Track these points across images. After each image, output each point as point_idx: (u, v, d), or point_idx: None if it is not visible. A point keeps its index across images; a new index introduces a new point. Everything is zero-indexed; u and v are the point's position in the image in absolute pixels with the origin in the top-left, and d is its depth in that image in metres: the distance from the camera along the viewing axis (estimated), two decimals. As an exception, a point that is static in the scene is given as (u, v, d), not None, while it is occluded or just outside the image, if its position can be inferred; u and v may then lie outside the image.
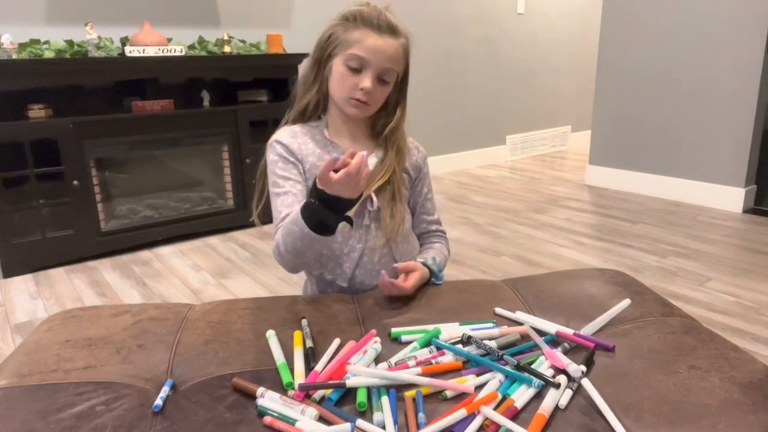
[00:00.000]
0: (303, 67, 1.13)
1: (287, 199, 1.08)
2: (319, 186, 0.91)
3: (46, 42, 2.40)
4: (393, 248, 1.16)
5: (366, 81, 1.04)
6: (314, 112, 1.16)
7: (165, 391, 0.79)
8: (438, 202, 1.36)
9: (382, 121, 1.15)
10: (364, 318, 1.01)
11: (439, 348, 0.89)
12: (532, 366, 0.83)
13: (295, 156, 1.12)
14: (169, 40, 2.67)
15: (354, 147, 1.12)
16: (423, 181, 1.23)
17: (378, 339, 0.91)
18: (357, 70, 1.05)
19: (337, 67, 1.07)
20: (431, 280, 1.12)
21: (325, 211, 0.93)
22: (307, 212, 0.95)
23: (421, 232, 1.27)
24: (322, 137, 1.15)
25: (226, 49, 2.76)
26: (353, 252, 1.14)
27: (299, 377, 0.82)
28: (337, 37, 1.07)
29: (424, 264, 1.12)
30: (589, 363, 0.85)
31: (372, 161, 0.91)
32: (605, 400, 0.76)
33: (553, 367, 0.84)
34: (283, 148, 1.12)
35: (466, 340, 0.89)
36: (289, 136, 1.14)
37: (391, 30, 1.06)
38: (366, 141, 1.17)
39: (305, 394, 0.78)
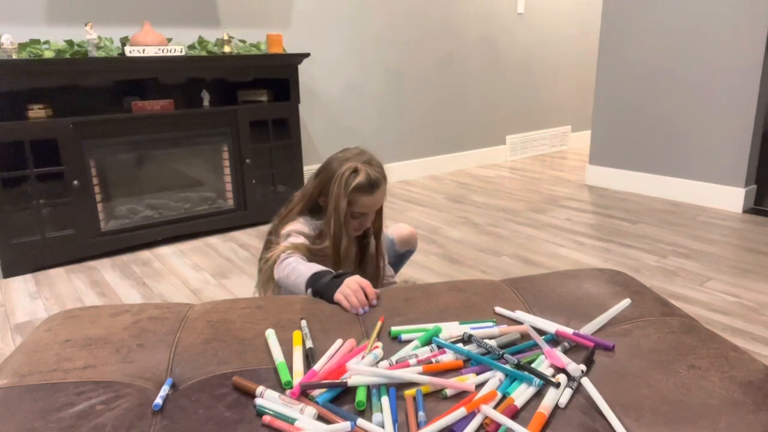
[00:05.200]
0: (312, 181, 1.46)
1: (296, 240, 1.40)
2: (337, 290, 1.11)
3: (46, 42, 2.40)
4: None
5: (367, 223, 1.45)
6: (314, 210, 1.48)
7: (165, 390, 0.80)
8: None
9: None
10: (364, 317, 1.01)
11: (439, 346, 0.89)
12: (532, 365, 0.83)
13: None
14: (169, 40, 2.67)
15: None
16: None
17: (380, 344, 0.90)
18: (359, 217, 1.42)
19: (345, 206, 1.37)
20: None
21: (329, 295, 1.12)
22: (316, 285, 1.15)
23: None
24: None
25: (226, 49, 2.76)
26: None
27: (298, 376, 0.82)
28: (344, 190, 1.37)
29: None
30: (588, 362, 0.85)
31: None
32: (605, 399, 0.76)
33: (552, 366, 0.84)
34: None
35: (467, 339, 0.89)
36: (302, 227, 1.45)
37: (378, 184, 1.39)
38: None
39: (301, 392, 0.78)
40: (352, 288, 1.07)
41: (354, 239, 1.46)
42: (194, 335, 0.95)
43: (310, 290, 1.16)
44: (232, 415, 0.75)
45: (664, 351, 0.87)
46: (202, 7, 2.91)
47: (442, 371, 0.83)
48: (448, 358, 0.86)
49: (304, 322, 0.97)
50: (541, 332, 0.93)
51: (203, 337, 0.94)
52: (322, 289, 1.12)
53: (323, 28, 3.26)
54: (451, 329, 0.94)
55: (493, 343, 0.89)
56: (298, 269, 1.23)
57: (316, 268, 1.21)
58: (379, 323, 0.97)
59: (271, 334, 0.93)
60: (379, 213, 1.50)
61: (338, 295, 1.08)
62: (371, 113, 3.66)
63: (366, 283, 1.09)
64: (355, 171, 1.36)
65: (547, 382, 0.79)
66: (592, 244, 2.59)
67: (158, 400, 0.77)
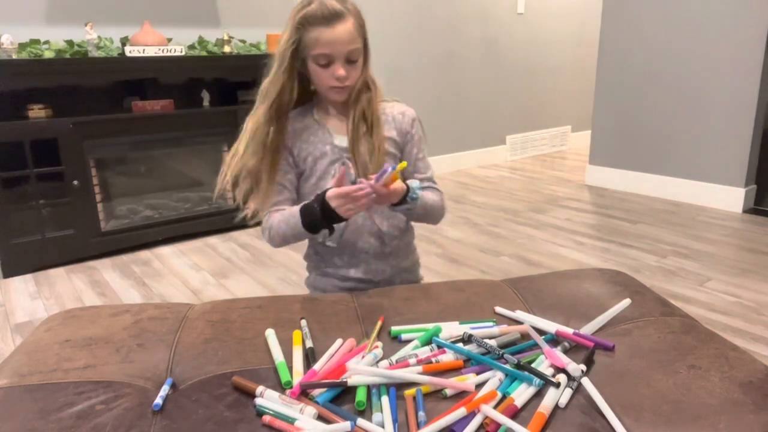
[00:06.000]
0: (271, 68, 1.20)
1: (277, 188, 1.23)
2: (326, 196, 1.07)
3: (46, 42, 2.40)
4: (375, 208, 1.22)
5: (338, 70, 1.15)
6: (290, 104, 1.23)
7: (165, 390, 0.80)
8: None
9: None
10: (363, 317, 1.01)
11: (439, 346, 0.89)
12: (532, 365, 0.83)
13: (285, 145, 1.24)
14: (169, 40, 2.67)
15: (341, 125, 1.23)
16: (412, 143, 1.28)
17: (380, 344, 0.90)
18: (326, 65, 1.15)
19: (311, 66, 1.17)
20: (407, 195, 1.14)
21: (321, 217, 1.09)
22: (306, 211, 1.12)
23: None
24: (311, 120, 1.26)
25: (226, 49, 2.76)
26: None
27: (298, 376, 0.82)
28: (298, 42, 1.15)
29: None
30: (588, 362, 0.85)
31: None
32: (605, 399, 0.76)
33: (552, 366, 0.84)
34: None
35: (467, 339, 0.89)
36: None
37: (338, 16, 1.13)
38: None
39: (301, 392, 0.78)
40: (341, 203, 1.04)
41: (350, 113, 1.21)
42: (194, 335, 0.95)
43: (325, 232, 1.13)
44: (232, 415, 0.75)
45: (664, 351, 0.87)
46: (202, 7, 2.91)
47: (442, 371, 0.83)
48: (448, 358, 0.86)
49: (304, 322, 0.97)
50: (541, 332, 0.93)
51: (203, 337, 0.94)
52: (321, 223, 1.09)
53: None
54: (451, 329, 0.94)
55: (493, 343, 0.88)
56: (284, 217, 1.17)
57: (295, 216, 1.14)
58: (379, 323, 0.97)
59: (271, 334, 0.93)
60: (358, 63, 1.19)
61: (344, 214, 1.06)
62: (371, 113, 3.65)
63: (342, 191, 1.04)
64: (309, 2, 1.14)
65: (547, 382, 0.79)
66: (592, 244, 2.59)
67: (158, 400, 0.77)
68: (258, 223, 1.25)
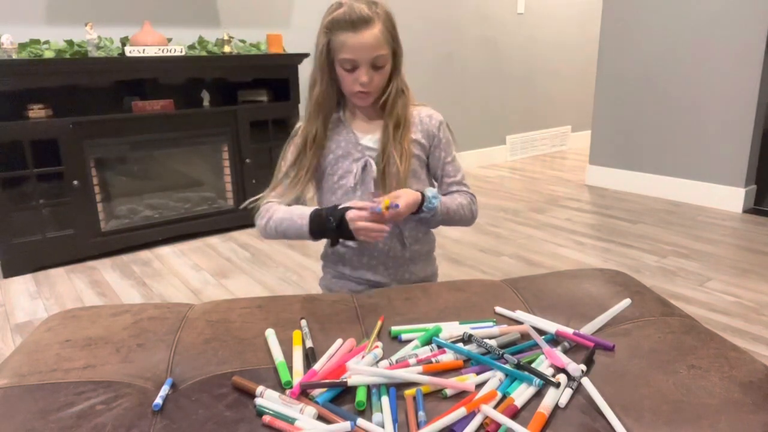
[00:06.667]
0: (311, 73, 1.23)
1: (284, 180, 1.26)
2: (346, 216, 1.11)
3: (46, 42, 2.40)
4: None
5: (361, 77, 1.15)
6: (329, 106, 1.24)
7: (165, 390, 0.79)
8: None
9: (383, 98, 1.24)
10: (363, 317, 1.01)
11: (439, 346, 0.89)
12: (532, 365, 0.83)
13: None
14: (169, 40, 2.67)
15: (367, 126, 1.25)
16: (440, 147, 1.28)
17: (380, 344, 0.90)
18: (351, 69, 1.16)
19: (338, 69, 1.18)
20: (422, 206, 1.17)
21: (333, 231, 1.13)
22: (316, 221, 1.15)
23: (443, 193, 1.31)
24: (336, 119, 1.27)
25: (226, 49, 2.76)
26: None
27: (298, 376, 0.82)
28: (327, 46, 1.17)
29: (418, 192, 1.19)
30: (589, 362, 0.85)
31: None
32: (605, 399, 0.76)
33: (553, 366, 0.84)
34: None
35: (467, 339, 0.89)
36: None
37: (365, 21, 1.12)
38: (377, 119, 1.26)
39: (301, 392, 0.78)
40: (360, 227, 1.09)
41: (369, 111, 1.24)
42: (194, 335, 0.95)
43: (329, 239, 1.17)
44: (232, 415, 0.75)
45: (664, 351, 0.87)
46: (202, 7, 2.91)
47: (442, 371, 0.83)
48: (448, 358, 0.86)
49: (304, 322, 0.97)
50: (541, 332, 0.93)
51: (203, 337, 0.94)
52: (324, 229, 1.14)
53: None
54: (451, 329, 0.94)
55: (493, 343, 0.88)
56: (288, 215, 1.19)
57: (303, 218, 1.16)
58: (379, 323, 0.97)
59: (270, 334, 0.93)
60: (384, 70, 1.18)
61: (362, 237, 1.11)
62: (371, 113, 3.65)
63: (365, 215, 1.09)
64: (339, 5, 1.14)
65: (547, 382, 0.79)
66: (592, 244, 2.59)
67: (158, 400, 0.77)
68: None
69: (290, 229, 1.18)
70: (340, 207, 1.15)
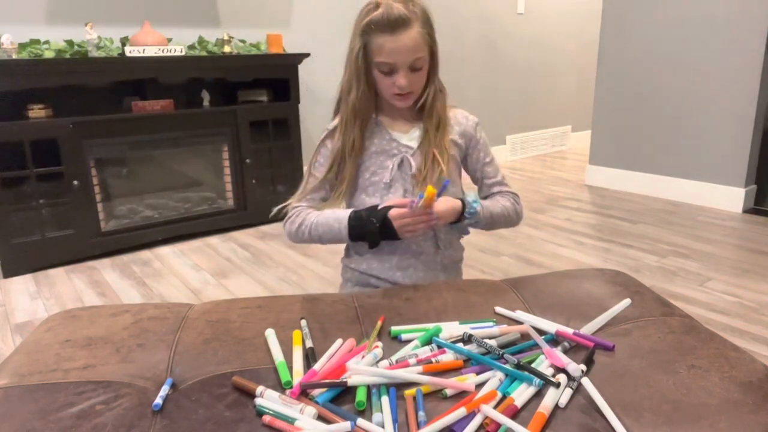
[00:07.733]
0: (345, 79, 1.21)
1: (316, 184, 1.24)
2: (389, 215, 1.10)
3: (46, 42, 2.40)
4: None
5: (399, 80, 1.14)
6: (367, 111, 1.23)
7: (165, 390, 0.79)
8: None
9: (422, 99, 1.23)
10: (363, 317, 1.01)
11: (439, 346, 0.89)
12: (532, 365, 0.83)
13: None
14: (169, 40, 2.67)
15: (404, 127, 1.24)
16: (477, 148, 1.28)
17: (380, 344, 0.90)
18: (389, 73, 1.14)
19: (375, 72, 1.16)
20: (464, 212, 1.16)
21: (375, 233, 1.12)
22: (356, 223, 1.14)
23: (484, 195, 1.30)
24: (371, 121, 1.25)
25: (226, 49, 2.76)
26: None
27: (298, 376, 0.82)
28: (363, 50, 1.14)
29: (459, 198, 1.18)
30: (589, 362, 0.85)
31: None
32: (605, 399, 0.76)
33: (552, 366, 0.84)
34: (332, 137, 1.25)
35: (467, 339, 0.89)
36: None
37: (403, 23, 1.10)
38: (414, 120, 1.25)
39: (301, 392, 0.78)
40: (404, 224, 1.08)
41: (405, 113, 1.23)
42: (194, 335, 0.95)
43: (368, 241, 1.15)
44: (232, 415, 0.75)
45: (664, 351, 0.87)
46: (202, 7, 2.91)
47: (442, 371, 0.83)
48: (448, 358, 0.86)
49: (303, 322, 0.97)
50: (541, 332, 0.93)
51: (203, 337, 0.94)
52: (367, 230, 1.13)
53: (323, 28, 3.26)
54: (451, 329, 0.94)
55: (493, 343, 0.88)
56: (325, 219, 1.17)
57: (340, 221, 1.15)
58: (379, 323, 0.97)
59: (270, 334, 0.93)
60: (423, 71, 1.18)
61: (405, 235, 1.11)
62: (371, 113, 3.65)
63: (407, 212, 1.08)
64: (376, 5, 1.11)
65: (547, 382, 0.79)
66: (592, 244, 2.59)
67: (158, 400, 0.77)
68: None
69: (327, 234, 1.18)
70: (380, 207, 1.13)
